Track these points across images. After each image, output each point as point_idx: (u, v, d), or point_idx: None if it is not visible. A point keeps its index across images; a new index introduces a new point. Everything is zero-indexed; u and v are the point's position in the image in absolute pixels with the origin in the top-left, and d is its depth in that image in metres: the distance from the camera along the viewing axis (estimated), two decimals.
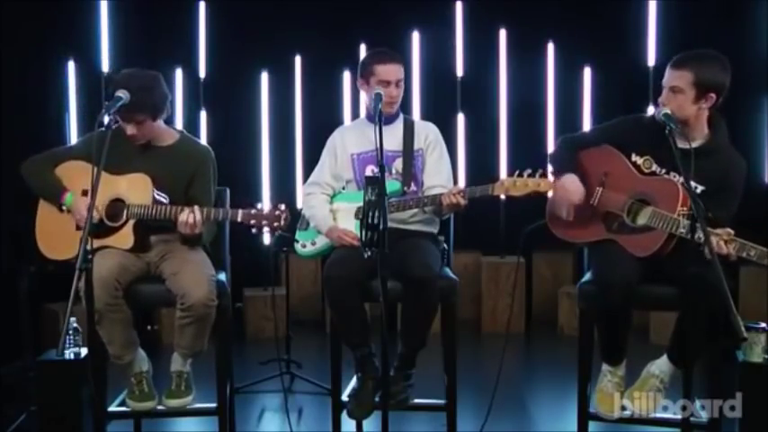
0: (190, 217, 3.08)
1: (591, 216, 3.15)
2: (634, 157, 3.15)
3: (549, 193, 3.26)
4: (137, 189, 3.19)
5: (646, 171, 3.12)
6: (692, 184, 2.94)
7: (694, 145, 2.92)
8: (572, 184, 3.13)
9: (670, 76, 3.02)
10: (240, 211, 3.08)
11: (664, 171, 3.10)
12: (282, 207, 3.08)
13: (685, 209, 2.94)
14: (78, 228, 3.22)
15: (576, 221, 3.17)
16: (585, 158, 3.22)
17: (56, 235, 3.28)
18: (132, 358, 3.20)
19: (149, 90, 3.13)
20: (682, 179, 2.99)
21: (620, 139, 3.19)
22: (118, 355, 3.17)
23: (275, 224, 3.06)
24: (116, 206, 3.20)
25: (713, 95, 3.00)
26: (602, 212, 3.16)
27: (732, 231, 2.85)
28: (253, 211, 3.07)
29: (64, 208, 3.27)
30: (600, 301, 3.03)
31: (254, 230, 3.09)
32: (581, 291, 3.15)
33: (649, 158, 3.12)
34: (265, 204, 3.11)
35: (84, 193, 3.25)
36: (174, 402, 3.19)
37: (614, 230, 3.10)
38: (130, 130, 3.17)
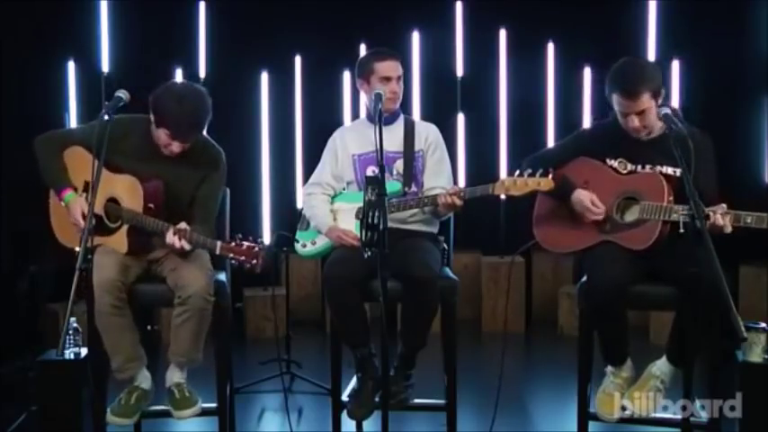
0: (175, 240, 3.04)
1: (582, 224, 3.16)
2: (609, 161, 3.18)
3: (534, 216, 3.28)
4: (129, 193, 3.16)
5: (623, 172, 3.15)
6: (671, 169, 3.05)
7: (654, 135, 3.07)
8: (586, 198, 3.12)
9: (629, 107, 3.02)
10: (219, 243, 3.02)
11: (639, 167, 3.13)
12: (263, 245, 2.98)
13: (671, 198, 2.99)
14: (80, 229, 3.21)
15: (568, 231, 3.19)
16: (563, 172, 3.22)
17: (69, 223, 3.25)
18: (134, 374, 3.15)
19: (205, 113, 3.17)
20: (659, 169, 3.07)
21: (590, 149, 3.22)
22: (120, 367, 3.11)
23: (253, 262, 2.96)
24: (114, 208, 3.19)
25: (662, 91, 3.07)
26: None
27: (725, 206, 2.89)
28: (232, 244, 3.00)
29: (62, 204, 3.23)
30: (591, 301, 3.05)
31: (233, 263, 3.01)
32: (581, 291, 3.15)
33: (623, 160, 3.16)
34: (264, 237, 3.01)
35: (86, 185, 3.20)
36: (187, 412, 3.14)
37: (607, 231, 3.12)
38: (177, 147, 3.13)
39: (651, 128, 3.08)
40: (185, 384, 3.19)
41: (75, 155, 3.26)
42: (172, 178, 3.20)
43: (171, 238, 3.05)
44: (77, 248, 3.13)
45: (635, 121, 3.04)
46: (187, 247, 3.05)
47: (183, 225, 3.07)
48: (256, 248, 2.97)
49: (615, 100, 3.06)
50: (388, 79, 3.30)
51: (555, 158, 3.26)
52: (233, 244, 3.00)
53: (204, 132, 3.32)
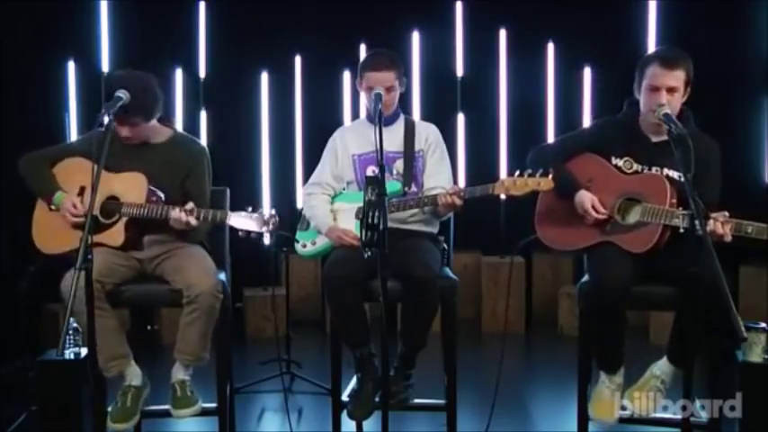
0: (182, 215, 3.06)
1: (582, 223, 3.16)
2: (614, 160, 3.17)
3: (536, 211, 3.27)
4: (131, 188, 3.17)
5: (628, 171, 3.15)
6: (677, 173, 3.01)
7: (663, 137, 3.00)
8: (588, 201, 3.11)
9: (665, 77, 3.01)
10: (231, 214, 3.04)
11: (645, 168, 3.12)
12: (273, 212, 3.01)
13: (674, 201, 2.98)
14: (75, 226, 3.20)
15: (569, 229, 3.18)
16: (567, 168, 3.22)
17: (51, 230, 3.26)
18: (120, 372, 3.15)
19: (144, 93, 3.12)
20: (666, 172, 3.06)
21: (596, 144, 3.21)
22: (103, 365, 3.10)
23: (264, 228, 2.99)
24: (111, 204, 3.20)
25: (689, 85, 3.06)
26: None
27: (727, 213, 2.89)
28: (243, 214, 3.02)
29: (53, 207, 3.26)
30: (596, 301, 3.04)
31: (240, 234, 3.03)
32: (581, 291, 3.15)
33: (629, 159, 3.15)
34: (265, 209, 3.04)
35: (82, 190, 3.25)
36: (186, 411, 3.14)
37: (608, 232, 3.11)
38: (124, 132, 3.17)
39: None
40: (189, 383, 3.19)
41: (68, 166, 3.30)
42: (154, 173, 3.21)
43: (177, 213, 3.06)
44: (62, 250, 3.19)
45: (662, 97, 2.99)
46: (193, 222, 3.06)
47: (190, 205, 3.09)
48: (267, 216, 3.00)
49: (650, 73, 3.03)
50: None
51: (561, 153, 3.25)
52: (243, 214, 3.02)
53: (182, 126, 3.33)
